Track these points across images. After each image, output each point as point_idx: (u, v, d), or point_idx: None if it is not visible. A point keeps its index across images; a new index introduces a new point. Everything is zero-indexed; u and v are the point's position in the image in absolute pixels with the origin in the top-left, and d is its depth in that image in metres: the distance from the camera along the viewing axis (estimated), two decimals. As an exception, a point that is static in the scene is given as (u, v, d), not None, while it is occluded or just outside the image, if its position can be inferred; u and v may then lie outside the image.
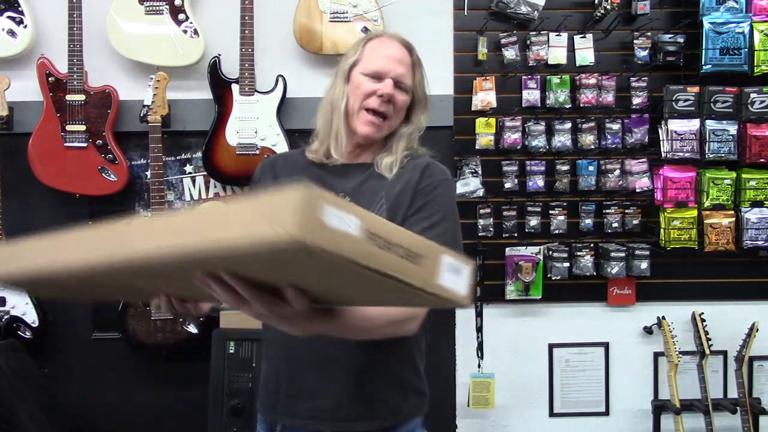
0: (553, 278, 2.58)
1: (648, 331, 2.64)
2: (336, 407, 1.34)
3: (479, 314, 2.58)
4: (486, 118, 2.57)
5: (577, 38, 2.59)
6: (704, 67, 2.51)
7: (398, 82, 1.40)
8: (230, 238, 0.77)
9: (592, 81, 2.56)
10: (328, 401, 1.34)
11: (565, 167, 2.58)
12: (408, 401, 1.41)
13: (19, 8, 2.47)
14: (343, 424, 1.34)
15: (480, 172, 2.57)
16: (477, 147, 2.57)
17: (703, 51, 2.50)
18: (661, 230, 2.58)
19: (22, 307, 2.45)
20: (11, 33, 2.47)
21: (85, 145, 2.44)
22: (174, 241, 0.81)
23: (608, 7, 2.47)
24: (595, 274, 2.59)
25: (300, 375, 1.36)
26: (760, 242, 2.56)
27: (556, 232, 2.59)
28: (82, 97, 2.43)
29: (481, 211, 2.58)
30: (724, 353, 2.65)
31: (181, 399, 2.56)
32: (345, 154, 1.44)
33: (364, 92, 1.39)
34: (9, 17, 2.47)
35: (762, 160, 2.54)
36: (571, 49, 2.59)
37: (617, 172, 2.58)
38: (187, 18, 2.46)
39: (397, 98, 1.40)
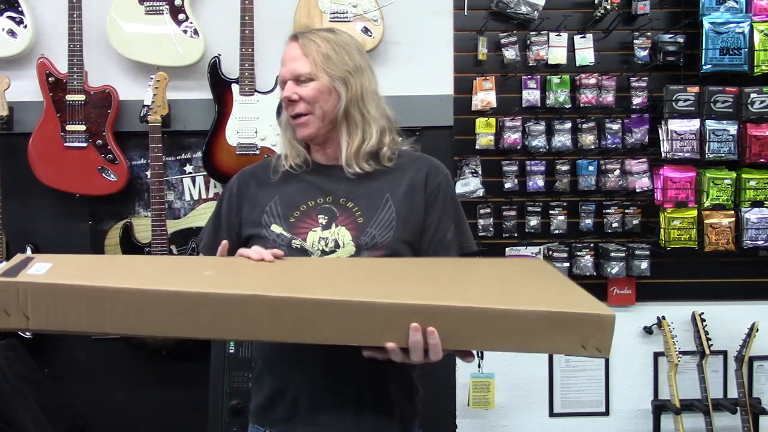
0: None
1: (648, 331, 2.64)
2: (358, 415, 1.33)
3: (479, 314, 2.57)
4: (486, 118, 2.57)
5: (577, 38, 2.59)
6: (704, 67, 2.50)
7: (296, 78, 1.37)
8: (545, 346, 1.06)
9: (592, 81, 2.56)
10: (350, 410, 1.33)
11: (565, 167, 2.58)
12: (414, 404, 1.42)
13: (19, 8, 2.47)
14: (366, 430, 1.34)
15: (480, 172, 2.57)
16: (477, 147, 2.57)
17: (703, 51, 2.50)
18: (661, 230, 2.57)
19: (22, 307, 2.45)
20: (11, 33, 2.47)
21: (85, 145, 2.44)
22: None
23: (608, 7, 2.47)
24: (595, 274, 2.59)
25: (319, 385, 1.34)
26: (760, 242, 2.56)
27: (556, 232, 2.59)
28: (82, 97, 2.43)
29: (481, 211, 2.58)
30: (724, 353, 2.65)
31: (181, 399, 2.56)
32: (319, 156, 1.43)
33: (283, 104, 1.41)
34: (9, 17, 2.47)
35: (762, 160, 2.54)
36: (571, 49, 2.59)
37: (617, 172, 2.58)
38: (187, 18, 2.46)
39: (302, 92, 1.36)
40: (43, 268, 1.07)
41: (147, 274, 1.13)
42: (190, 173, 2.62)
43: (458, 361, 2.61)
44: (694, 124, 2.54)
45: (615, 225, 2.59)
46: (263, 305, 1.04)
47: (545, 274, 1.25)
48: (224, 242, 1.29)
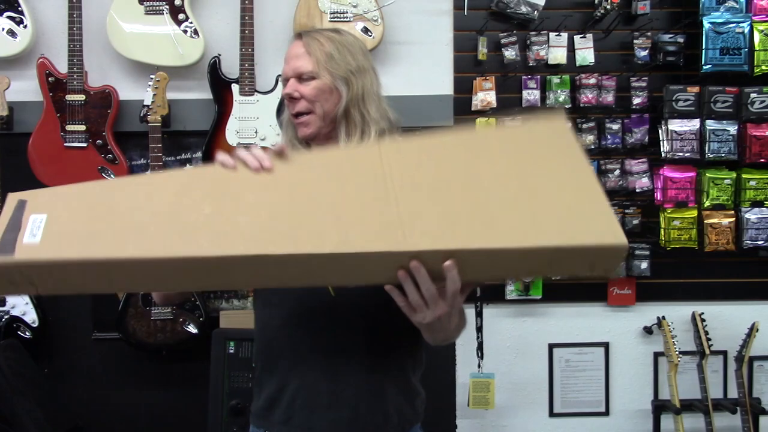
0: (553, 278, 2.58)
1: (648, 331, 2.64)
2: (354, 418, 1.32)
3: (479, 314, 2.58)
4: (486, 118, 2.57)
5: (577, 38, 2.59)
6: (704, 67, 2.50)
7: (298, 76, 1.36)
8: (553, 272, 1.14)
9: (592, 81, 2.56)
10: (346, 412, 1.32)
11: (565, 167, 2.58)
12: (414, 408, 1.41)
13: (19, 8, 2.47)
14: None
15: (480, 172, 2.57)
16: (477, 147, 2.57)
17: (703, 51, 2.50)
18: (661, 230, 2.57)
19: (22, 307, 2.45)
20: (11, 33, 2.47)
21: (85, 145, 2.44)
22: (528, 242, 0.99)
23: (608, 7, 2.47)
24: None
25: (316, 387, 1.33)
26: (760, 242, 2.56)
27: (556, 232, 2.59)
28: (82, 97, 2.43)
29: (481, 211, 2.58)
30: (724, 353, 2.65)
31: (181, 399, 2.56)
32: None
33: (285, 102, 1.40)
34: (9, 17, 2.47)
35: (762, 160, 2.54)
36: (571, 49, 2.59)
37: (617, 172, 2.58)
38: (187, 18, 2.46)
39: (303, 90, 1.36)
40: (38, 230, 1.03)
41: (146, 225, 1.06)
42: (190, 173, 2.62)
43: (458, 361, 2.63)
44: (694, 124, 2.54)
45: (615, 225, 2.59)
46: (267, 262, 1.02)
47: (564, 160, 1.10)
48: None
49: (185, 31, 2.47)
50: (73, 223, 1.05)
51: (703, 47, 2.49)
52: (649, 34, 2.57)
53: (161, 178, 1.13)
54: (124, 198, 1.10)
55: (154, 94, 2.39)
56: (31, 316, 2.46)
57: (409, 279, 1.04)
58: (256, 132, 2.45)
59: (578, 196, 1.04)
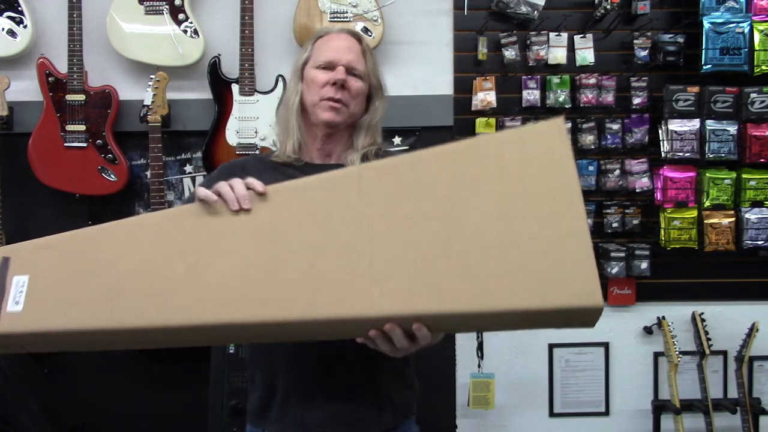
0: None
1: (648, 331, 2.64)
2: (350, 410, 1.33)
3: (479, 314, 2.58)
4: (486, 118, 2.57)
5: (577, 38, 2.59)
6: (704, 67, 2.50)
7: (350, 69, 1.39)
8: (528, 327, 1.06)
9: (592, 81, 2.56)
10: (343, 405, 1.33)
11: (565, 167, 2.58)
12: (408, 400, 1.42)
13: (19, 8, 2.47)
14: (357, 426, 1.34)
15: (480, 172, 2.57)
16: (477, 147, 2.57)
17: (703, 51, 2.50)
18: (661, 230, 2.57)
19: (22, 307, 2.45)
20: (11, 33, 2.47)
21: (85, 145, 2.44)
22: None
23: (608, 7, 2.47)
24: (595, 274, 2.59)
25: (312, 382, 1.34)
26: (760, 242, 2.56)
27: (556, 232, 2.59)
28: (82, 97, 2.43)
29: (481, 211, 2.58)
30: (724, 353, 2.65)
31: (181, 399, 2.56)
32: (315, 152, 1.43)
33: (319, 84, 1.38)
34: (9, 17, 2.47)
35: (762, 160, 2.54)
36: (571, 49, 2.59)
37: (617, 172, 2.58)
38: (187, 18, 2.46)
39: (351, 84, 1.38)
40: (20, 295, 1.06)
41: (121, 290, 1.07)
42: (190, 173, 2.62)
43: (458, 361, 2.63)
44: (694, 124, 2.54)
45: (615, 225, 2.59)
46: (237, 327, 1.04)
47: (553, 191, 1.05)
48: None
49: (185, 31, 2.47)
50: (53, 286, 1.07)
51: (703, 47, 2.49)
52: (649, 34, 2.57)
53: (139, 226, 1.12)
54: (102, 254, 1.10)
55: (154, 94, 2.39)
56: (31, 316, 2.46)
57: (381, 336, 1.05)
58: (256, 132, 2.45)
59: (561, 243, 1.02)
